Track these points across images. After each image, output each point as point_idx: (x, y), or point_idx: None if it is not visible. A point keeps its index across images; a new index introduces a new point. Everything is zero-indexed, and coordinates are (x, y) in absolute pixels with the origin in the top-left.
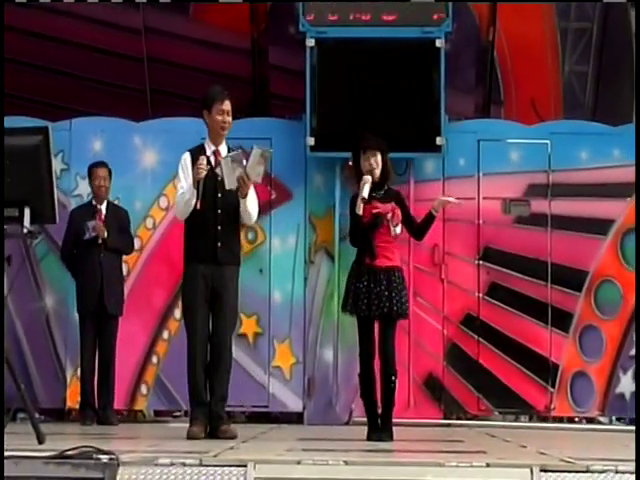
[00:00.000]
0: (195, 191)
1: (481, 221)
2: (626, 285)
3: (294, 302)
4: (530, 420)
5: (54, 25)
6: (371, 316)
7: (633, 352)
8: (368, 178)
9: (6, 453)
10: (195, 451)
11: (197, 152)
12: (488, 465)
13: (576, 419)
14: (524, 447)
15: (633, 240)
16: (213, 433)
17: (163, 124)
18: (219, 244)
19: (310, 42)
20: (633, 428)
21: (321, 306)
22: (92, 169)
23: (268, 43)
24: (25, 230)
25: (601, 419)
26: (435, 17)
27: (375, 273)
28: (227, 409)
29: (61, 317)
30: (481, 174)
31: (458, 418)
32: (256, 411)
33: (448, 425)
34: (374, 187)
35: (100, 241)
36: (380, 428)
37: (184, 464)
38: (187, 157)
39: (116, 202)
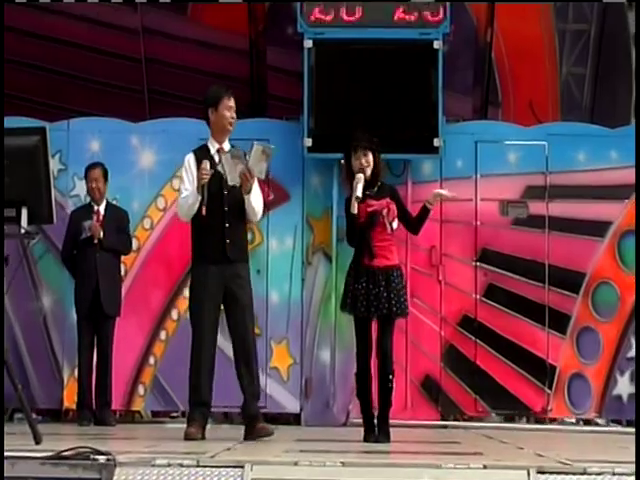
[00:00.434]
0: (199, 196)
1: (479, 222)
2: (623, 287)
3: (291, 303)
4: (527, 422)
5: (51, 25)
6: (369, 317)
7: (630, 354)
8: (361, 177)
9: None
10: (192, 452)
11: (201, 152)
12: (485, 467)
13: (573, 421)
14: (521, 449)
15: (630, 242)
16: (249, 433)
17: (161, 125)
18: (228, 241)
19: (308, 43)
20: (630, 430)
21: (318, 307)
22: (86, 170)
23: (266, 44)
24: (22, 230)
25: (598, 421)
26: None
27: (374, 273)
28: (225, 410)
29: (58, 317)
30: (479, 175)
31: (455, 419)
32: None
33: (445, 426)
34: (367, 185)
35: (96, 241)
36: (377, 429)
37: (181, 465)
38: (191, 158)
39: (114, 202)
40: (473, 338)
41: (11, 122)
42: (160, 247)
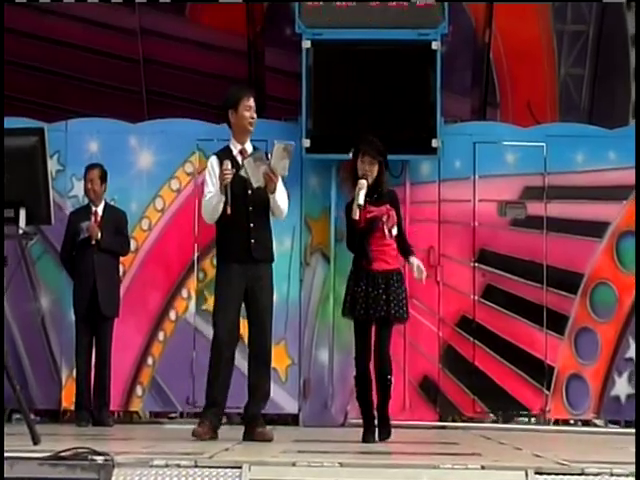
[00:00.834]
0: (223, 197)
1: (477, 223)
2: (621, 288)
3: (290, 304)
4: (525, 422)
5: (50, 26)
6: (368, 319)
7: (628, 355)
8: (364, 183)
9: None
10: (190, 452)
11: (223, 154)
12: (483, 467)
13: (571, 421)
14: (519, 449)
15: (628, 243)
16: (249, 434)
17: (159, 125)
18: (253, 241)
19: (306, 44)
20: (628, 430)
21: (317, 308)
22: (85, 171)
23: (264, 45)
24: (21, 231)
25: (596, 422)
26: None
27: (373, 277)
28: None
29: (57, 318)
30: (477, 176)
31: (453, 420)
32: None
33: (443, 427)
34: (368, 192)
35: (93, 242)
36: (378, 425)
37: (179, 465)
38: (214, 161)
39: (112, 203)
40: (471, 339)
41: (9, 123)
42: (158, 248)
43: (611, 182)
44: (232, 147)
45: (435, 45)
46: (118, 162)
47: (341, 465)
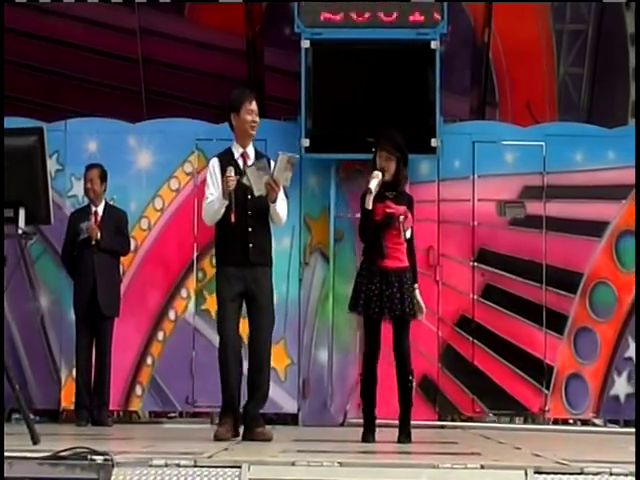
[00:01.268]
0: (225, 201)
1: (476, 223)
2: (621, 287)
3: (289, 303)
4: (525, 422)
5: (49, 26)
6: (382, 318)
7: (628, 354)
8: (378, 173)
9: None
10: (189, 452)
11: (225, 157)
12: (482, 467)
13: (570, 421)
14: (518, 449)
15: (628, 242)
16: (248, 434)
17: (158, 125)
18: (251, 245)
19: (305, 43)
20: (628, 430)
21: (316, 307)
22: (85, 170)
23: (263, 44)
24: (20, 231)
25: (595, 421)
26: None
27: (387, 275)
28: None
29: (56, 318)
30: (476, 176)
31: (452, 420)
32: None
33: (442, 427)
34: (388, 187)
35: (93, 242)
36: (399, 430)
37: (178, 465)
38: (215, 163)
39: (112, 203)
40: (470, 338)
41: (9, 122)
42: (157, 248)
43: (610, 181)
44: (234, 150)
45: (434, 45)
46: (117, 162)
47: (340, 465)
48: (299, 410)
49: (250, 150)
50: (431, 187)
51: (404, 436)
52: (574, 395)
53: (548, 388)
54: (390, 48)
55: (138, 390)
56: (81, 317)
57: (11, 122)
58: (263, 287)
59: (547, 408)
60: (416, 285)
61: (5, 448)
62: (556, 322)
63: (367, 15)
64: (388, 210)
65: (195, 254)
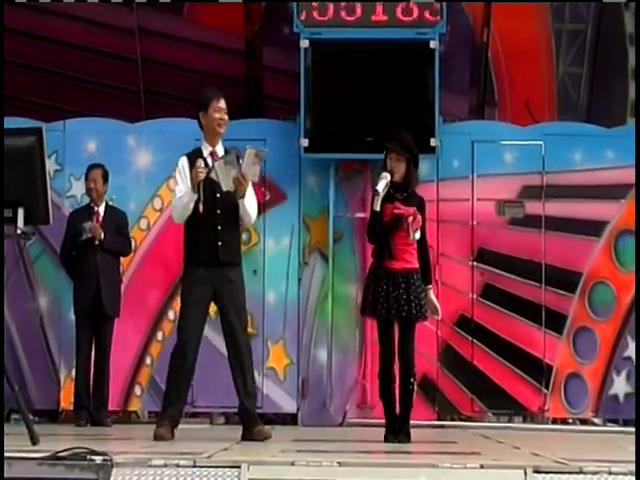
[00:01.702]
0: (195, 195)
1: (475, 222)
2: (620, 286)
3: (288, 303)
4: (524, 421)
5: (49, 26)
6: (390, 319)
7: (627, 353)
8: (386, 175)
9: None
10: (189, 452)
11: (194, 155)
12: (482, 466)
13: (570, 420)
14: (518, 448)
15: (627, 242)
16: (247, 434)
17: (157, 125)
18: (220, 244)
19: (304, 43)
20: (627, 429)
21: (315, 307)
22: (87, 170)
23: (262, 44)
24: (19, 231)
25: (595, 420)
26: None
27: (394, 276)
28: (222, 410)
29: (55, 318)
30: (475, 175)
31: (452, 419)
32: None
33: (442, 426)
34: (397, 188)
35: (96, 242)
36: (398, 430)
37: (178, 465)
38: (184, 161)
39: (111, 203)
40: (470, 338)
41: (8, 122)
42: (157, 247)
43: (609, 181)
44: (203, 149)
45: (433, 44)
46: (116, 162)
47: (340, 464)
48: (298, 410)
49: (219, 149)
50: (430, 187)
51: (403, 436)
52: (573, 394)
53: (547, 387)
54: (389, 48)
55: (137, 390)
56: (83, 317)
57: (10, 122)
58: (235, 286)
59: (546, 407)
60: (430, 286)
61: (4, 448)
62: (555, 322)
63: (365, 15)
64: (396, 211)
65: None
